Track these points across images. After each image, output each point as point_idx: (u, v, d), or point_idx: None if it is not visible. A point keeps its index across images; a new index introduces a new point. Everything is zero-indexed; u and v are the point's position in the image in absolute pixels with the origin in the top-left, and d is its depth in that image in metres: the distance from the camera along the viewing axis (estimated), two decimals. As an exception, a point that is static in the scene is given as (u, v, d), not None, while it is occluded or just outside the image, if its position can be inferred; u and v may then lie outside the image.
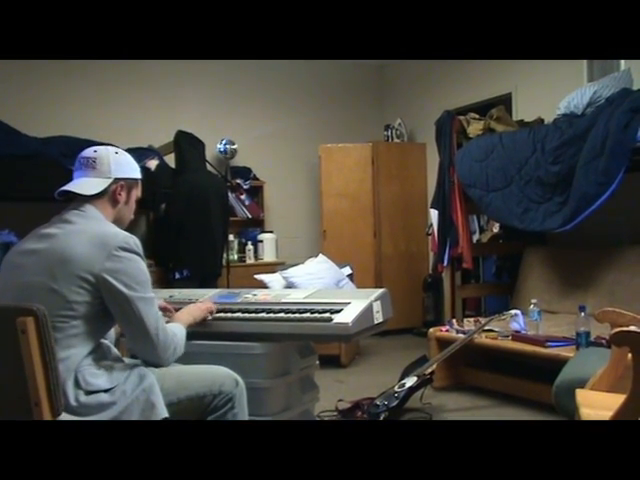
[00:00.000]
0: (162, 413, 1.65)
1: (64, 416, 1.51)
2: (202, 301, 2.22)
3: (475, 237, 5.20)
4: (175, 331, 1.80)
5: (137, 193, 1.90)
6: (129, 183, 1.85)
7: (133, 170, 1.87)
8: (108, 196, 1.80)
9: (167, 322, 1.83)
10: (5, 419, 1.48)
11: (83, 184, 1.78)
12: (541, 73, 4.75)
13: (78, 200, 1.77)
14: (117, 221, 1.82)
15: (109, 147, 1.86)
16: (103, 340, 1.75)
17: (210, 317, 2.12)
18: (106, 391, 1.62)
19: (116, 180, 1.80)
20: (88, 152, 1.83)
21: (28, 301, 1.50)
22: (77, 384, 1.59)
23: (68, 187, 1.78)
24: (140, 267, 1.69)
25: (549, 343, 3.16)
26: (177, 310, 2.10)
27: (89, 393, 1.60)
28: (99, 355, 1.69)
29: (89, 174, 1.80)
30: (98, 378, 1.63)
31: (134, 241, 1.69)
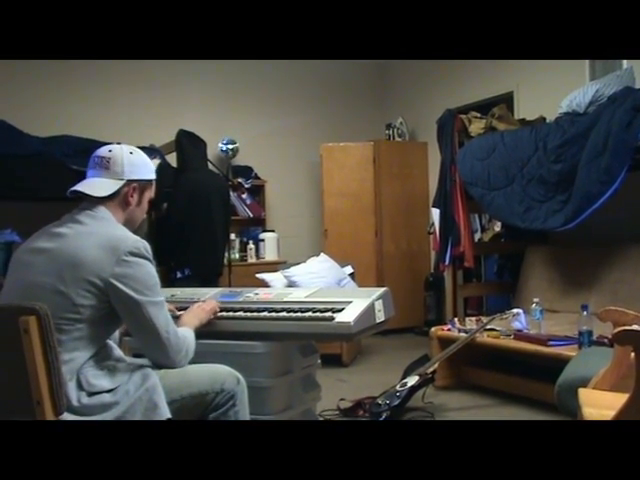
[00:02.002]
0: (165, 414, 1.65)
1: (67, 416, 1.51)
2: (205, 300, 2.22)
3: (477, 236, 5.19)
4: (185, 334, 1.80)
5: (150, 194, 1.88)
6: (142, 185, 1.83)
7: (147, 171, 1.85)
8: (119, 198, 1.78)
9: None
10: (7, 418, 1.48)
11: (95, 185, 1.76)
12: (543, 72, 4.74)
13: (89, 200, 1.75)
14: (128, 222, 1.81)
15: (124, 146, 1.83)
16: (108, 342, 1.75)
17: (213, 317, 2.12)
18: (109, 391, 1.62)
19: (128, 182, 1.78)
20: (103, 151, 1.80)
21: (34, 301, 1.49)
22: (80, 386, 1.59)
23: (79, 187, 1.76)
24: (149, 271, 1.68)
25: (551, 342, 3.15)
26: (180, 309, 2.10)
27: (92, 394, 1.59)
28: (102, 355, 1.69)
29: (102, 174, 1.78)
30: (101, 379, 1.62)
31: (144, 245, 1.68)
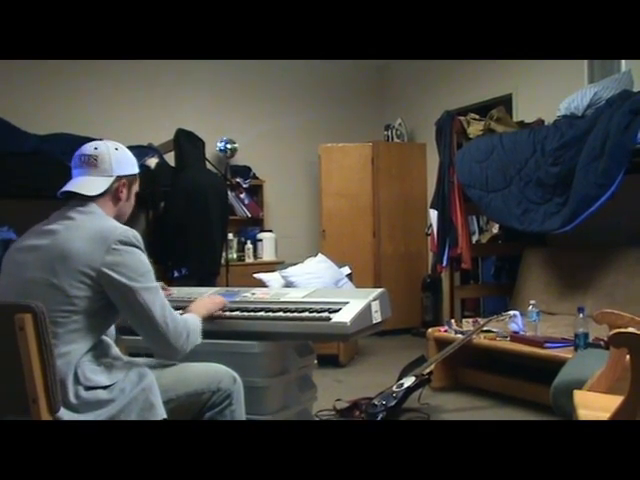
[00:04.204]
0: (161, 414, 1.65)
1: (62, 412, 1.51)
2: (212, 296, 2.25)
3: (474, 238, 5.20)
4: (186, 318, 1.79)
5: (136, 188, 1.89)
6: (130, 179, 1.84)
7: (133, 166, 1.87)
8: (111, 194, 1.79)
9: (181, 313, 1.84)
10: (3, 416, 1.48)
11: (85, 183, 1.76)
12: (542, 74, 4.75)
13: (79, 198, 1.75)
14: (118, 217, 1.81)
15: (108, 143, 1.84)
16: (104, 337, 1.75)
17: (221, 311, 2.14)
18: (104, 388, 1.62)
19: (118, 178, 1.79)
20: (88, 149, 1.80)
21: (29, 297, 1.50)
22: (77, 379, 1.59)
23: (71, 187, 1.76)
24: (140, 259, 1.68)
25: (547, 344, 3.16)
26: (176, 309, 2.10)
27: (88, 389, 1.60)
28: (100, 352, 1.69)
29: (91, 172, 1.78)
30: (98, 374, 1.63)
31: (133, 234, 1.69)
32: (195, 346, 1.80)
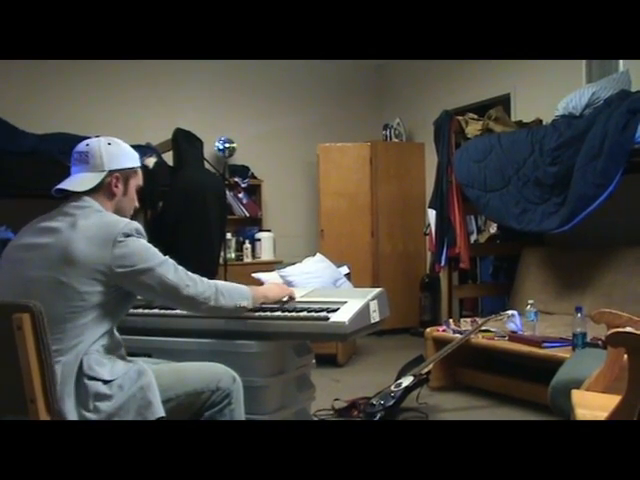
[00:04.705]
0: (159, 412, 1.65)
1: (64, 401, 1.52)
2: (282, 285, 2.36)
3: (473, 237, 5.20)
4: (224, 282, 1.89)
5: (136, 182, 1.88)
6: (125, 173, 1.83)
7: (129, 159, 1.85)
8: (104, 189, 1.79)
9: None
10: (1, 416, 1.48)
11: (77, 180, 1.77)
12: (540, 74, 4.75)
13: (75, 195, 1.76)
14: (117, 212, 1.82)
15: (101, 138, 1.84)
16: (117, 334, 1.77)
17: (285, 299, 2.23)
18: (104, 382, 1.62)
19: (110, 172, 1.79)
20: (80, 146, 1.82)
21: (31, 296, 1.50)
22: (81, 368, 1.60)
23: (62, 185, 1.77)
24: (144, 243, 1.73)
25: (545, 344, 3.16)
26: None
27: (90, 378, 1.61)
28: (111, 346, 1.71)
29: (83, 169, 1.79)
30: (102, 367, 1.64)
31: (135, 227, 1.71)
32: (192, 345, 1.80)
